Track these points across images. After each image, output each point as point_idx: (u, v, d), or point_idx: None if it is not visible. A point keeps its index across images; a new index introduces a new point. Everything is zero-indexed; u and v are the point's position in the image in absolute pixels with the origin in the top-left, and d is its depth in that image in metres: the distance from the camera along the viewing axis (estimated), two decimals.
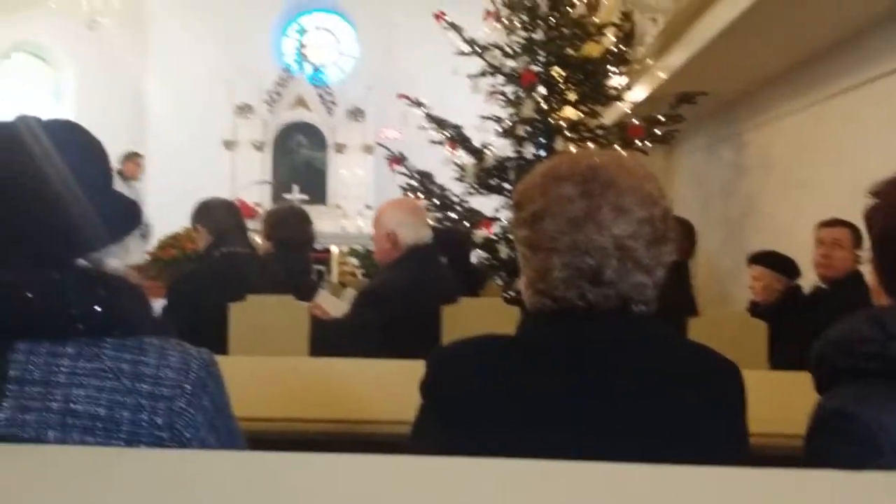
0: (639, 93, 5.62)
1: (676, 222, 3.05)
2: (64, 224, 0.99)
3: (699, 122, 5.81)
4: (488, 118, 5.78)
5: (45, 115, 1.10)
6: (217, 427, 1.02)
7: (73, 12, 7.16)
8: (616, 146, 5.45)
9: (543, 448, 0.88)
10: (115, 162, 7.09)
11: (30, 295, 0.93)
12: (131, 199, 1.13)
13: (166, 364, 0.98)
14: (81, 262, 1.02)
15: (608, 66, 5.76)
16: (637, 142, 5.32)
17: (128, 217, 1.10)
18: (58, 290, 0.94)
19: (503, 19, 5.87)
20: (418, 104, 5.82)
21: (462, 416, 1.02)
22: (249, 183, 9.76)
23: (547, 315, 1.05)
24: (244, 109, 11.03)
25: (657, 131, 5.28)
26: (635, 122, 5.30)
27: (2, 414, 0.91)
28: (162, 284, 3.39)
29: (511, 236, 1.14)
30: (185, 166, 10.56)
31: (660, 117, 5.23)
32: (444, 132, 5.73)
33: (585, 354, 1.01)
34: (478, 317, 2.79)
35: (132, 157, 7.69)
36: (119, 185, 5.59)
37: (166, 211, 9.31)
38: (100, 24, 7.28)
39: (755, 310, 3.44)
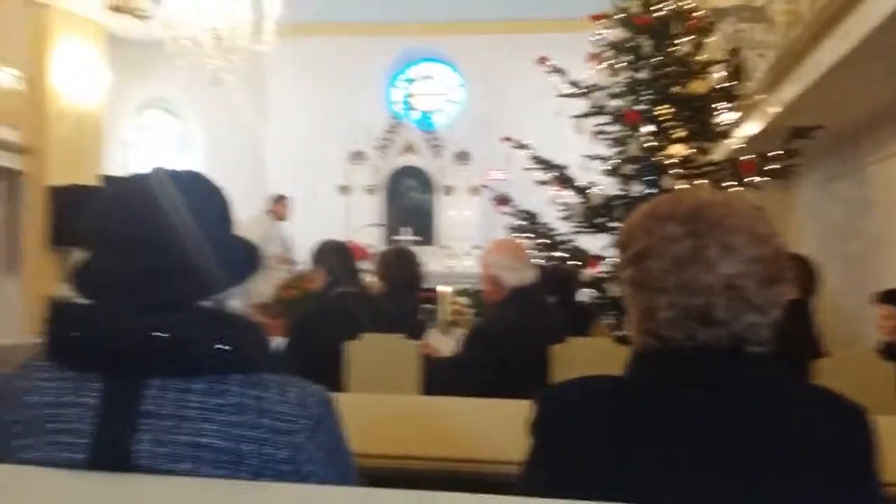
0: (750, 128, 5.48)
1: (797, 260, 2.93)
2: (192, 268, 1.05)
3: (817, 156, 5.58)
4: (593, 157, 5.79)
5: (176, 165, 1.19)
6: (334, 462, 1.06)
7: (198, 70, 7.73)
8: (727, 182, 5.33)
9: (651, 493, 0.90)
10: (265, 204, 7.63)
11: (161, 335, 0.98)
12: (252, 243, 1.18)
13: (286, 400, 1.02)
14: (207, 303, 1.07)
15: (716, 103, 5.66)
16: (750, 178, 5.17)
17: (249, 260, 1.16)
18: (186, 331, 1.00)
19: (606, 61, 5.90)
20: (523, 146, 5.90)
21: (571, 456, 1.01)
22: (362, 226, 10.11)
23: (654, 355, 1.03)
24: (357, 156, 11.51)
25: (771, 167, 5.11)
26: (747, 157, 5.15)
27: (137, 447, 0.97)
28: (283, 323, 3.57)
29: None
30: (301, 209, 11.08)
31: (773, 153, 5.07)
32: (550, 172, 5.77)
33: (695, 396, 0.97)
34: (586, 356, 2.77)
35: (280, 200, 8.13)
36: (269, 225, 5.96)
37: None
38: (223, 81, 7.82)
39: (885, 350, 3.25)
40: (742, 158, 5.22)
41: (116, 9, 9.03)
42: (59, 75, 9.12)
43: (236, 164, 11.99)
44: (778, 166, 5.11)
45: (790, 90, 4.75)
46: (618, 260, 1.11)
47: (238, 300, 1.13)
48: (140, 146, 11.66)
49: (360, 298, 3.42)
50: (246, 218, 7.24)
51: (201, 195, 1.12)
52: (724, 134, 5.60)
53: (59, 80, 9.12)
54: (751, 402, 0.97)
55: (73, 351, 1.01)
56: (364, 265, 4.79)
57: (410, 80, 12.31)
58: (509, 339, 2.77)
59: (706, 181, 5.41)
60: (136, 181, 1.12)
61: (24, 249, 8.76)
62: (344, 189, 11.37)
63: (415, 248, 6.19)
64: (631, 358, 1.07)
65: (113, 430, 0.98)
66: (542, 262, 5.28)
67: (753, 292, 0.99)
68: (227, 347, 1.00)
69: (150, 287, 1.03)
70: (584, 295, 5.16)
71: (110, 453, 0.97)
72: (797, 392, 1.03)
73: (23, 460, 1.00)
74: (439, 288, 6.86)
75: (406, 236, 9.43)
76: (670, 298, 1.00)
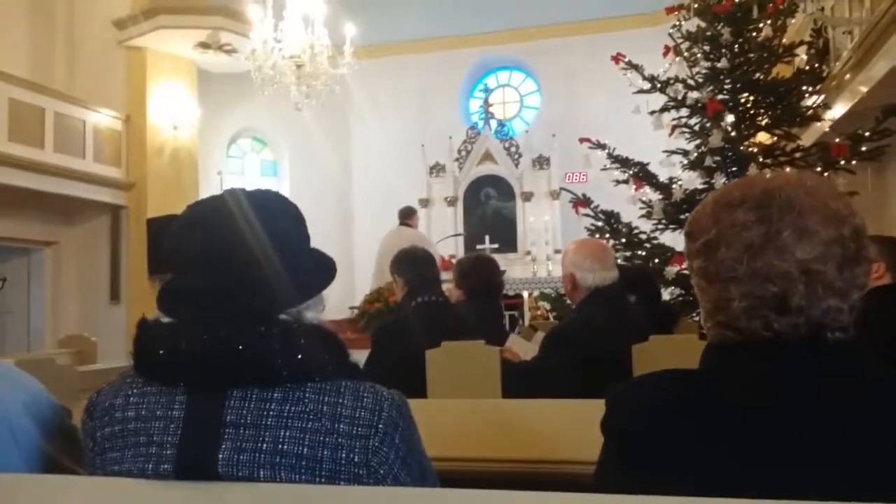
0: (838, 110, 5.22)
1: (892, 243, 2.77)
2: (269, 283, 1.09)
3: None
4: (674, 152, 5.66)
5: (266, 187, 1.24)
6: (409, 464, 1.08)
7: (283, 98, 8.04)
8: (818, 168, 5.09)
9: (729, 488, 0.86)
10: (399, 217, 7.93)
11: (241, 347, 1.03)
12: (327, 256, 1.22)
13: (361, 405, 1.05)
14: (284, 316, 1.10)
15: (802, 87, 5.44)
16: (842, 161, 4.92)
17: (323, 273, 1.19)
18: (265, 343, 1.03)
19: (684, 52, 5.77)
20: (601, 146, 5.83)
21: (643, 453, 0.98)
22: (444, 237, 10.21)
23: (730, 348, 0.99)
24: (436, 169, 11.67)
25: (863, 148, 4.85)
26: (837, 140, 4.91)
27: (221, 455, 1.01)
28: (368, 336, 3.64)
29: None
30: (385, 224, 11.27)
31: (865, 133, 4.81)
32: (629, 170, 5.67)
33: (775, 388, 0.93)
34: (669, 354, 2.70)
35: (412, 213, 8.45)
36: (412, 235, 6.02)
37: (370, 266, 9.98)
38: (305, 106, 8.10)
39: None
40: (833, 141, 4.97)
41: (205, 46, 9.53)
42: (154, 113, 9.69)
43: (323, 183, 12.41)
44: (870, 147, 4.84)
45: (880, 67, 4.50)
46: (686, 250, 1.08)
47: (314, 311, 1.17)
48: (233, 174, 12.21)
49: (439, 307, 3.42)
50: (385, 233, 7.56)
51: (275, 211, 1.16)
52: (812, 118, 5.36)
53: (155, 117, 9.69)
54: (835, 390, 0.93)
55: (158, 367, 1.07)
56: (446, 275, 4.85)
57: (487, 90, 12.38)
58: (588, 339, 2.73)
59: (795, 168, 5.20)
60: (212, 202, 1.18)
61: (127, 279, 9.32)
62: (424, 202, 11.54)
63: (497, 256, 6.22)
64: (705, 351, 1.04)
65: (197, 441, 1.03)
66: (623, 261, 5.20)
67: (833, 275, 0.94)
68: (302, 357, 1.04)
69: (228, 302, 1.07)
70: (669, 293, 5.04)
71: (195, 463, 1.02)
72: (885, 380, 0.96)
73: (113, 472, 1.07)
74: (523, 293, 6.85)
75: (487, 245, 9.45)
76: (743, 288, 0.96)
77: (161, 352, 1.06)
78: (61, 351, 6.29)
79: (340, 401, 1.04)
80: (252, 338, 1.03)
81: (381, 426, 1.04)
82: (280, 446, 1.01)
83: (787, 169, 5.17)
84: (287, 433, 1.02)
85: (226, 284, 1.08)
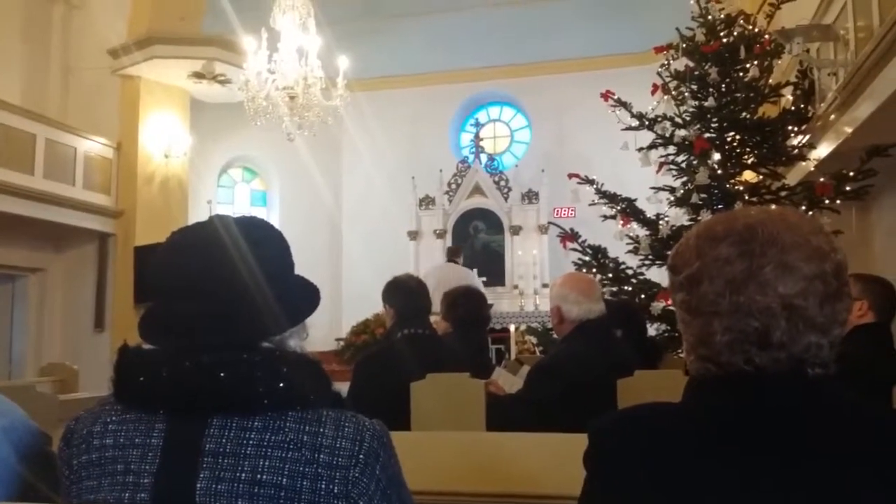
0: (823, 150, 5.30)
1: (874, 283, 2.79)
2: (253, 310, 1.08)
3: None
4: (661, 189, 5.72)
5: (250, 215, 1.25)
6: (389, 495, 1.07)
7: (275, 128, 8.09)
8: (803, 207, 5.15)
9: None
10: (446, 255, 8.13)
11: (223, 375, 1.02)
12: (311, 284, 1.21)
13: (342, 435, 1.04)
14: (266, 343, 1.10)
15: (787, 126, 5.53)
16: (826, 200, 4.98)
17: (308, 301, 1.18)
18: (247, 370, 1.03)
19: (672, 91, 5.86)
20: (589, 181, 5.88)
21: (625, 487, 0.98)
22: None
23: (712, 382, 0.99)
24: (426, 201, 11.73)
25: (847, 188, 4.91)
26: (822, 180, 4.97)
27: (199, 484, 0.99)
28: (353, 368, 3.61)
29: None
30: (374, 256, 11.33)
31: (850, 173, 4.87)
32: (616, 206, 5.72)
33: (755, 423, 0.93)
34: (655, 389, 2.69)
35: (458, 250, 8.61)
36: (457, 270, 5.99)
37: (358, 298, 9.98)
38: (297, 137, 8.16)
39: None
40: (818, 180, 5.04)
41: (199, 76, 9.60)
42: (146, 141, 9.72)
43: (312, 214, 12.43)
44: (855, 187, 4.91)
45: (864, 108, 4.58)
46: (669, 284, 1.08)
47: (297, 339, 1.16)
48: (223, 203, 12.21)
49: (426, 340, 3.41)
50: (432, 268, 7.90)
51: (260, 238, 1.15)
52: (798, 157, 5.44)
53: (146, 145, 9.71)
54: (815, 426, 0.93)
55: (138, 393, 1.06)
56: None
57: (477, 124, 12.51)
58: (573, 372, 2.74)
59: (780, 207, 5.26)
60: (197, 228, 1.17)
61: (113, 307, 9.25)
62: (413, 234, 11.58)
63: (485, 289, 6.24)
64: (687, 384, 1.03)
65: (175, 470, 1.02)
66: (609, 296, 5.21)
67: (814, 311, 0.94)
68: (283, 385, 1.03)
69: (210, 329, 1.06)
70: (654, 329, 5.05)
71: (172, 492, 1.01)
72: (865, 416, 0.96)
73: (89, 501, 1.05)
74: (510, 327, 6.85)
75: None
76: (726, 322, 0.96)
77: (142, 378, 1.05)
78: (43, 379, 6.21)
79: (321, 430, 1.03)
80: (234, 365, 1.03)
81: (361, 456, 1.04)
82: (259, 476, 1.00)
83: (773, 207, 5.23)
84: (266, 462, 1.01)
85: (209, 311, 1.07)
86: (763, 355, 0.95)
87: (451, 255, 8.48)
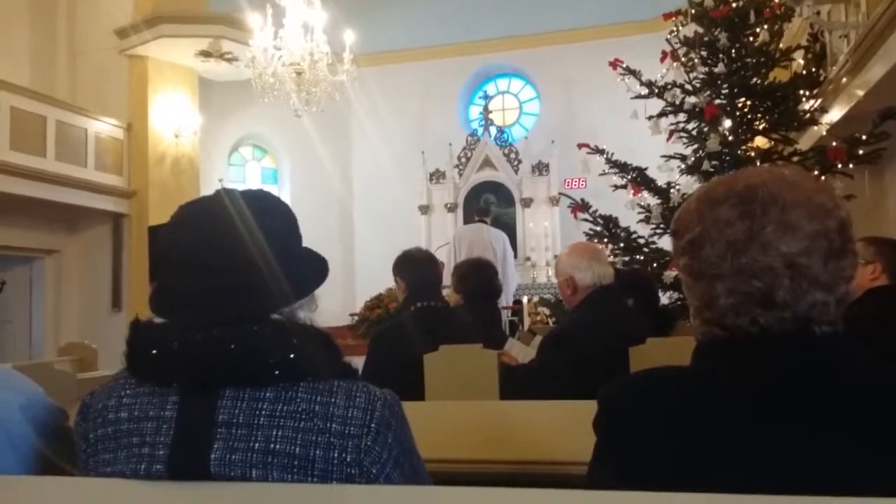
0: (835, 114, 5.24)
1: (889, 244, 2.78)
2: (262, 282, 1.09)
3: None
4: (672, 157, 5.67)
5: (261, 188, 1.25)
6: (402, 464, 1.08)
7: (283, 105, 8.07)
8: (815, 171, 5.11)
9: (720, 484, 0.86)
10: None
11: (233, 346, 1.03)
12: (319, 255, 1.22)
13: (353, 405, 1.05)
14: (276, 316, 1.11)
15: (799, 91, 5.46)
16: (839, 165, 4.93)
17: (316, 273, 1.19)
18: (257, 342, 1.04)
19: (681, 58, 5.79)
20: (599, 151, 5.84)
21: (634, 451, 0.99)
22: (443, 243, 10.22)
23: (718, 344, 0.99)
24: (436, 175, 11.70)
25: (861, 152, 4.86)
26: (835, 144, 4.92)
27: (213, 455, 1.01)
28: (367, 342, 3.63)
29: None
30: (385, 231, 11.35)
31: (862, 137, 4.81)
32: (627, 175, 5.69)
33: (764, 384, 0.93)
34: (667, 356, 2.66)
35: (485, 211, 8.83)
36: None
37: (370, 273, 10.00)
38: (305, 113, 8.14)
39: None
40: (830, 145, 4.98)
41: (206, 54, 9.57)
42: (156, 121, 9.73)
43: (323, 190, 12.44)
44: (867, 150, 4.85)
45: (876, 70, 4.51)
46: (672, 249, 1.08)
47: (307, 310, 1.17)
48: (234, 182, 12.24)
49: (438, 312, 3.41)
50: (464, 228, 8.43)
51: (267, 211, 1.16)
52: (810, 122, 5.38)
53: (156, 125, 9.73)
54: (824, 385, 0.93)
55: (151, 367, 1.08)
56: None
57: (486, 97, 12.42)
58: (585, 340, 2.74)
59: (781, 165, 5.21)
60: (204, 202, 1.18)
61: (129, 287, 9.34)
62: (424, 208, 11.58)
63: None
64: (695, 348, 1.04)
65: (189, 441, 1.03)
66: (621, 266, 5.21)
67: (818, 269, 0.94)
68: (294, 356, 1.04)
69: (220, 302, 1.07)
70: (666, 297, 5.04)
71: (187, 463, 1.02)
72: (875, 373, 0.95)
73: (105, 473, 1.07)
74: (523, 299, 6.86)
75: None
76: (729, 284, 0.96)
77: (154, 352, 1.07)
78: (62, 358, 6.30)
79: (333, 400, 1.04)
80: (245, 337, 1.04)
81: (373, 425, 1.05)
82: (272, 446, 1.01)
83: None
84: (279, 432, 1.02)
85: (218, 284, 1.08)
86: (768, 315, 0.95)
87: (481, 215, 8.54)
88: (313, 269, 1.19)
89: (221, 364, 1.03)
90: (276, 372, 1.03)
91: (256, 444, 1.01)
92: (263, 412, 1.03)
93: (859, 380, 0.94)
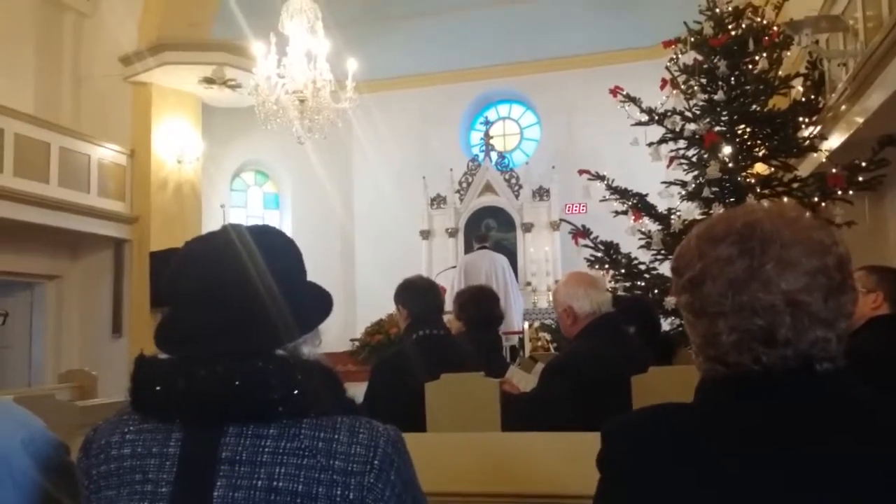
0: (835, 140, 5.26)
1: (890, 273, 2.78)
2: (267, 318, 1.09)
3: None
4: (672, 183, 5.70)
5: (268, 220, 1.25)
6: (405, 500, 1.08)
7: (286, 132, 8.12)
8: (815, 198, 5.13)
9: None
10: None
11: (238, 383, 1.03)
12: (324, 290, 1.22)
13: (357, 441, 1.04)
14: (280, 351, 1.10)
15: (798, 118, 5.50)
16: (839, 191, 4.95)
17: (321, 308, 1.19)
18: (262, 378, 1.03)
19: (681, 85, 5.84)
20: (600, 177, 5.87)
21: (639, 489, 0.98)
22: (445, 268, 10.24)
23: (721, 382, 0.99)
24: (437, 200, 11.74)
25: (860, 178, 4.88)
26: (834, 171, 4.94)
27: (216, 493, 1.01)
28: (369, 369, 3.62)
29: None
30: (386, 257, 11.37)
31: (862, 164, 4.84)
32: (628, 201, 5.71)
33: (767, 421, 0.94)
34: (669, 385, 2.69)
35: (484, 237, 9.15)
36: None
37: (371, 298, 10.00)
38: (307, 140, 8.18)
39: None
40: (830, 171, 5.00)
41: (209, 81, 9.65)
42: (159, 147, 9.79)
43: (325, 216, 12.48)
44: (867, 177, 4.87)
45: (875, 98, 4.54)
46: (672, 286, 1.08)
47: (311, 346, 1.17)
48: (236, 207, 12.29)
49: (440, 341, 3.41)
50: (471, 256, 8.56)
51: (274, 246, 1.17)
52: (809, 148, 5.41)
53: (159, 151, 9.78)
54: (825, 423, 0.93)
55: (155, 403, 1.08)
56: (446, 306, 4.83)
57: (487, 123, 12.51)
58: (587, 369, 2.74)
59: (792, 198, 5.23)
60: (211, 237, 1.19)
61: (130, 313, 9.33)
62: (425, 233, 11.60)
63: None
64: (698, 386, 1.04)
65: (192, 478, 1.03)
66: (623, 292, 5.21)
67: (819, 306, 0.94)
68: (298, 392, 1.04)
69: (225, 337, 1.07)
70: (668, 323, 5.04)
71: (189, 501, 1.02)
72: (878, 410, 0.95)
73: None
74: (524, 324, 6.85)
75: None
76: (731, 322, 0.97)
77: (158, 388, 1.07)
78: (62, 386, 6.28)
79: (336, 437, 1.04)
80: (249, 373, 1.04)
81: (376, 462, 1.05)
82: (275, 483, 1.01)
83: (786, 199, 5.21)
84: (282, 470, 1.02)
85: (224, 318, 1.08)
86: (770, 353, 0.95)
87: (482, 241, 8.62)
88: (317, 305, 1.19)
89: (225, 400, 1.03)
90: (280, 408, 1.03)
91: (259, 482, 1.01)
92: (267, 449, 1.03)
93: (862, 417, 0.94)
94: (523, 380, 3.29)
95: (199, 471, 1.03)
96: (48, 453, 1.34)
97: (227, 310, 1.09)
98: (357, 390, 3.30)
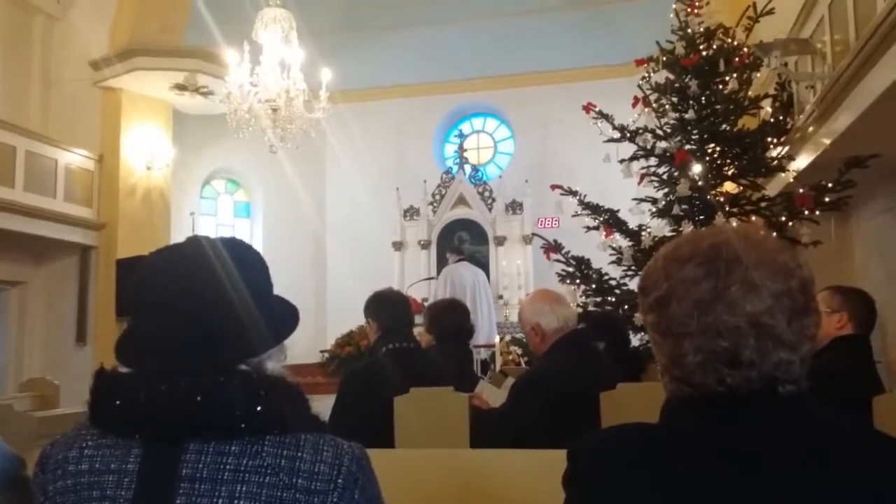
0: (802, 161, 5.36)
1: (853, 294, 2.83)
2: (231, 332, 1.07)
3: (877, 185, 5.40)
4: (643, 200, 5.76)
5: (239, 231, 1.23)
6: None
7: (258, 140, 8.07)
8: (783, 217, 5.21)
9: None
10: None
11: (199, 398, 1.01)
12: (291, 305, 1.21)
13: (320, 459, 1.03)
14: (244, 366, 1.09)
15: (767, 138, 5.59)
16: (806, 211, 5.04)
17: (287, 322, 1.17)
18: (224, 393, 1.02)
19: (652, 103, 5.92)
20: (572, 193, 5.91)
21: None
22: (417, 280, 10.22)
23: (686, 402, 1.00)
24: (410, 212, 11.74)
25: (827, 199, 4.97)
26: (802, 191, 5.03)
27: None
28: (338, 381, 3.59)
29: None
30: (359, 268, 11.32)
31: (829, 185, 4.93)
32: (599, 217, 5.76)
33: (729, 443, 0.94)
34: (638, 402, 2.70)
35: (459, 249, 9.52)
36: None
37: (342, 309, 9.93)
38: (281, 148, 8.14)
39: None
40: (797, 191, 5.09)
41: (181, 88, 9.56)
42: (128, 153, 9.67)
43: (296, 225, 12.40)
44: (834, 198, 4.97)
45: (842, 120, 4.64)
46: (639, 306, 1.09)
47: (275, 361, 1.15)
48: (206, 215, 12.15)
49: (410, 354, 3.39)
50: (450, 269, 8.87)
51: (240, 259, 1.14)
52: (777, 168, 5.50)
53: (128, 157, 9.66)
54: (788, 445, 0.94)
55: (114, 418, 1.05)
56: (418, 318, 4.82)
57: (461, 136, 12.56)
58: (557, 386, 2.74)
59: (760, 217, 5.31)
60: (177, 249, 1.17)
61: (95, 321, 9.16)
62: (398, 245, 11.58)
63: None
64: (664, 406, 1.04)
65: (151, 496, 1.01)
66: (593, 307, 5.24)
67: (783, 328, 0.95)
68: (261, 409, 1.02)
69: (187, 352, 1.05)
70: (638, 339, 5.07)
71: None
72: (840, 433, 0.96)
73: None
74: (495, 338, 6.85)
75: None
76: (696, 343, 0.97)
77: (118, 402, 1.04)
78: (22, 395, 6.13)
79: (299, 454, 1.03)
80: (211, 389, 1.02)
81: (340, 481, 1.03)
82: (236, 502, 0.99)
83: (754, 218, 5.29)
84: (243, 488, 1.00)
85: (188, 332, 1.07)
86: (735, 374, 0.95)
87: (459, 254, 8.75)
88: (284, 319, 1.18)
89: (186, 416, 1.01)
90: (243, 425, 1.02)
91: (220, 500, 1.00)
92: (228, 467, 1.01)
93: (825, 439, 0.95)
94: (493, 394, 3.28)
95: (158, 488, 1.01)
96: (3, 467, 1.31)
97: (192, 322, 1.07)
98: (325, 402, 3.28)
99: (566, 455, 1.07)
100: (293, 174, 11.58)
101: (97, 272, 9.41)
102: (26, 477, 1.29)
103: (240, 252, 1.17)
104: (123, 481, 1.02)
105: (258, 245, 11.75)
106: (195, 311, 1.07)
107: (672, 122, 5.74)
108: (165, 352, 1.06)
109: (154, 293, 1.10)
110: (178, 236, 10.19)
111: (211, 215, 12.38)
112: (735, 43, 5.84)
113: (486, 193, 11.62)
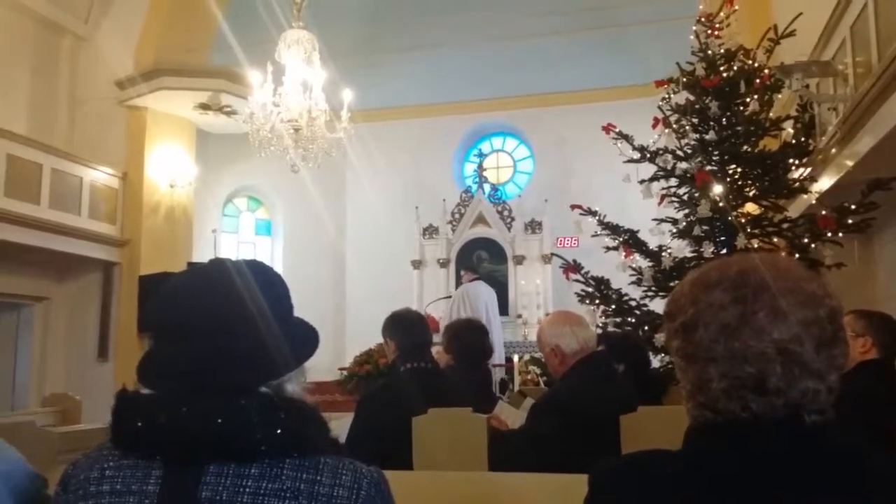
0: (825, 183, 5.31)
1: (877, 318, 2.79)
2: (253, 355, 1.08)
3: None
4: (663, 220, 5.73)
5: (260, 249, 1.24)
6: None
7: (280, 159, 8.14)
8: (805, 239, 5.15)
9: None
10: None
11: (220, 421, 1.01)
12: (310, 326, 1.21)
13: (339, 483, 1.04)
14: (264, 388, 1.10)
15: (788, 159, 5.56)
16: (828, 233, 4.98)
17: (307, 345, 1.18)
18: (245, 416, 1.02)
19: (673, 124, 5.90)
20: (591, 213, 5.90)
21: None
22: (436, 298, 10.20)
23: (710, 429, 0.99)
24: (430, 231, 11.76)
25: (850, 221, 4.91)
26: (824, 213, 4.98)
27: None
28: (356, 399, 3.59)
29: None
30: (378, 285, 11.34)
31: (852, 206, 4.88)
32: (619, 237, 5.73)
33: (753, 471, 0.93)
34: (658, 425, 2.67)
35: (473, 268, 9.49)
36: None
37: (361, 327, 9.94)
38: (301, 168, 8.20)
39: None
40: (819, 213, 5.04)
41: (205, 107, 9.70)
42: (152, 171, 9.79)
43: (317, 244, 12.46)
44: (857, 220, 4.91)
45: (865, 142, 4.59)
46: (665, 330, 1.09)
47: (295, 383, 1.16)
48: (228, 233, 12.26)
49: (429, 374, 3.38)
50: (464, 288, 8.90)
51: (262, 283, 1.15)
52: (799, 190, 5.46)
53: (152, 175, 9.78)
54: (813, 474, 0.92)
55: (135, 439, 1.06)
56: (436, 337, 4.82)
57: (481, 155, 12.59)
58: (576, 408, 2.72)
59: (782, 239, 5.26)
60: (199, 272, 1.18)
61: (117, 336, 9.25)
62: (417, 263, 11.59)
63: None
64: (687, 432, 1.03)
65: None
66: (613, 328, 5.20)
67: (810, 356, 0.95)
68: (281, 432, 1.03)
69: (208, 374, 1.06)
70: (658, 360, 5.02)
71: None
72: (865, 463, 0.95)
73: None
74: (514, 357, 6.81)
75: None
76: (721, 368, 0.97)
77: (139, 424, 1.05)
78: (44, 410, 6.19)
79: (319, 478, 1.03)
80: (232, 411, 1.03)
81: None
82: None
83: (776, 240, 5.23)
84: None
85: (211, 355, 1.07)
86: (760, 402, 0.95)
87: (473, 273, 8.87)
88: (304, 342, 1.18)
89: (207, 438, 1.02)
90: (263, 448, 1.02)
91: None
92: (247, 489, 1.01)
93: (850, 471, 0.94)
94: (512, 415, 3.27)
95: None
96: (26, 487, 1.32)
97: (213, 344, 1.07)
98: (343, 421, 3.27)
99: (587, 480, 1.06)
100: (314, 193, 11.65)
101: (120, 288, 9.52)
102: (48, 497, 1.31)
103: (263, 275, 1.18)
104: (144, 503, 1.02)
105: (278, 262, 11.83)
106: (217, 334, 1.08)
107: (692, 142, 5.72)
108: (187, 374, 1.06)
109: (177, 315, 1.11)
110: (200, 253, 10.29)
111: (233, 233, 12.49)
112: (756, 64, 5.82)
113: (506, 212, 11.62)
